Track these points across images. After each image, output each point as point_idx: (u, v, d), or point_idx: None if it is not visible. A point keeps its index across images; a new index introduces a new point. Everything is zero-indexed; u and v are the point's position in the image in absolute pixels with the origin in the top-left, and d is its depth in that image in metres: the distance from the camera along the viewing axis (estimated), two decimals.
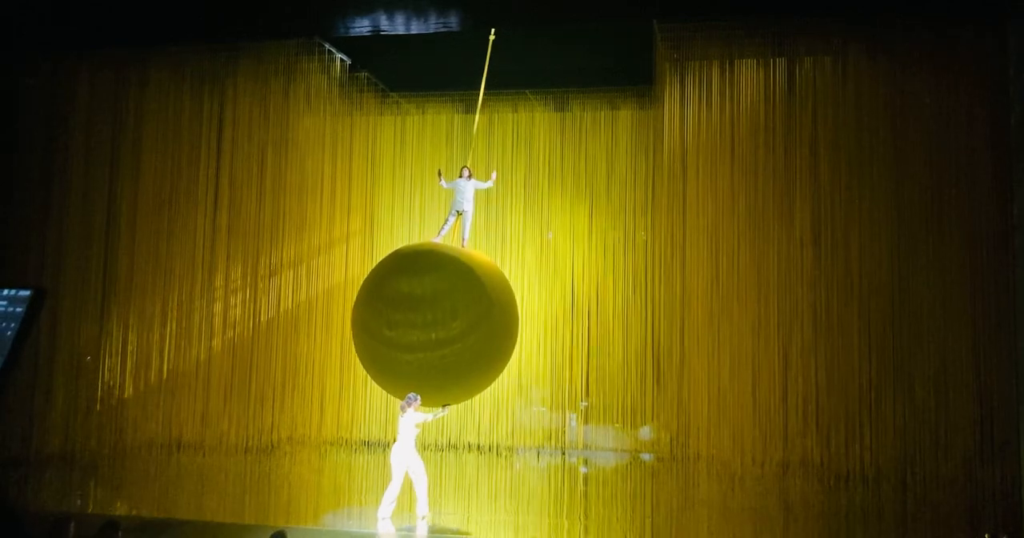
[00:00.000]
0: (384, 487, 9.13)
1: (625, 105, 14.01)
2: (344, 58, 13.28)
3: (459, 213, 10.79)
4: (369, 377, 10.88)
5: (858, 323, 11.21)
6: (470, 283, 9.82)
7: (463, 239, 10.77)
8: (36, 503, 9.55)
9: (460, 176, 10.93)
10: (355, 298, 10.53)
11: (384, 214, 14.62)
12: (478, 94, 14.02)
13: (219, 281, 13.07)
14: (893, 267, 11.16)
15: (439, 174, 11.31)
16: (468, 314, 9.55)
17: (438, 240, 10.71)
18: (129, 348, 13.07)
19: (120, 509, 9.66)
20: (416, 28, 11.53)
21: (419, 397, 9.26)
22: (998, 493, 9.91)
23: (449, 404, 9.70)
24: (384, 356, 9.81)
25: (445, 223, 10.86)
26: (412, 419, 9.08)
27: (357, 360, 13.69)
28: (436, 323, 9.38)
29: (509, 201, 14.44)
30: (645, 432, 13.12)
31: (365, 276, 10.91)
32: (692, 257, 11.85)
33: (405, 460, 8.99)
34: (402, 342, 9.49)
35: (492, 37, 10.95)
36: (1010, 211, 10.16)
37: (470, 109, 14.42)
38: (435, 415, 9.62)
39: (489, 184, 11.14)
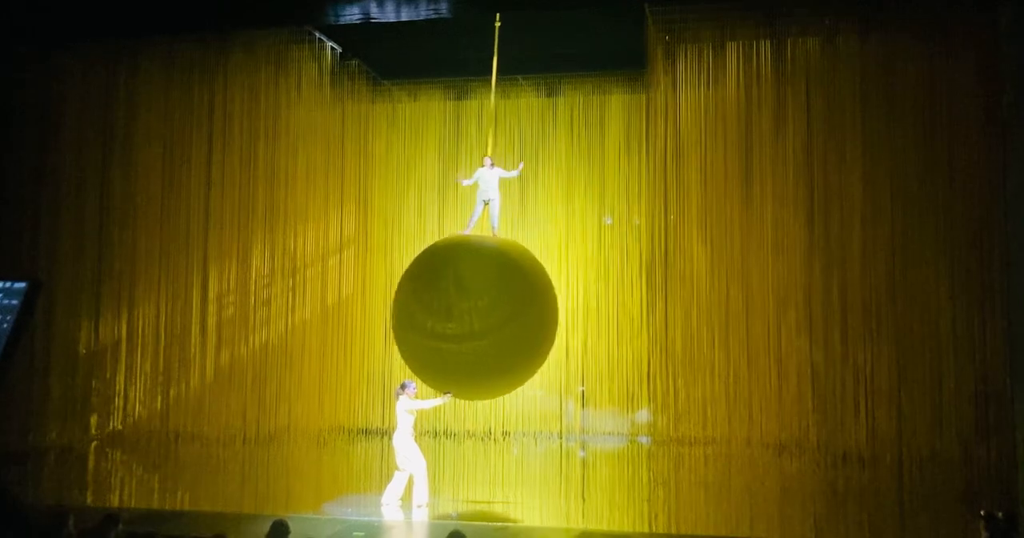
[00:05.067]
0: (384, 474, 9.16)
1: (617, 89, 13.96)
2: (335, 46, 13.22)
3: (486, 202, 10.77)
4: (408, 367, 10.75)
5: (853, 302, 11.24)
6: (511, 276, 9.82)
7: (493, 227, 10.79)
8: (35, 496, 9.54)
9: (482, 166, 10.88)
10: (396, 288, 10.42)
11: (377, 201, 14.58)
12: (470, 80, 14.08)
13: (213, 272, 13.04)
14: (888, 246, 11.19)
15: (458, 177, 11.37)
16: (506, 307, 9.47)
17: (468, 231, 10.72)
18: (124, 340, 13.07)
19: (120, 501, 9.66)
20: (406, 15, 11.46)
21: (412, 384, 9.30)
22: (994, 472, 9.97)
23: (450, 392, 9.63)
24: (424, 346, 9.70)
25: (473, 213, 10.86)
26: (405, 406, 9.11)
27: (354, 347, 13.89)
28: (476, 312, 9.29)
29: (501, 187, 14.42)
30: (642, 415, 13.15)
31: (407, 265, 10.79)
32: (686, 239, 11.87)
33: (403, 447, 9.03)
34: (441, 332, 9.37)
35: (497, 23, 10.89)
36: (1003, 191, 10.16)
37: (462, 96, 14.45)
38: (432, 403, 9.58)
39: (515, 173, 11.15)
